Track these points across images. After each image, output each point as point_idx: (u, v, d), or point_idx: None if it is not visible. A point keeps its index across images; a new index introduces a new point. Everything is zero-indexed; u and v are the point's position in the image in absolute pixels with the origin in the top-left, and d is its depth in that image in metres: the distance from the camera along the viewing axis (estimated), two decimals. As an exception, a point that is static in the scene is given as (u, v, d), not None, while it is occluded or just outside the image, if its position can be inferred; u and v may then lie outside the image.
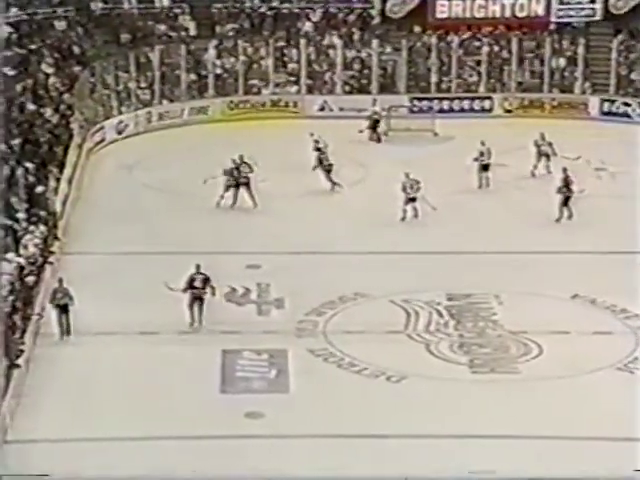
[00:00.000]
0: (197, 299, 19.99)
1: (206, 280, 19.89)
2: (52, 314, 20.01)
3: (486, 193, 27.25)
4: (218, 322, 20.31)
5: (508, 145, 29.76)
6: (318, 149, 27.65)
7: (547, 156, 28.08)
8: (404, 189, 25.00)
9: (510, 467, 15.96)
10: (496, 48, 34.45)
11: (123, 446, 16.63)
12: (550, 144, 28.00)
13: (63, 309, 19.90)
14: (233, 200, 25.86)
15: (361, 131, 30.91)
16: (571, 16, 34.68)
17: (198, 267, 20.01)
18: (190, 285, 19.85)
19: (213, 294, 20.10)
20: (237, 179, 25.77)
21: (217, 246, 23.53)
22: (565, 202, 25.08)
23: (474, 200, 26.48)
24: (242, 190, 25.79)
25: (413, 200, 24.90)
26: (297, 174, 27.98)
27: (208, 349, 19.47)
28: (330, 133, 30.90)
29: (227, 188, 25.79)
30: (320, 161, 27.27)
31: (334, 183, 27.09)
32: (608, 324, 20.49)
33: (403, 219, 24.97)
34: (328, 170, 27.13)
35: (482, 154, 27.00)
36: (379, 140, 31.20)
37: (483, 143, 27.14)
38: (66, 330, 19.84)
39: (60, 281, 20.25)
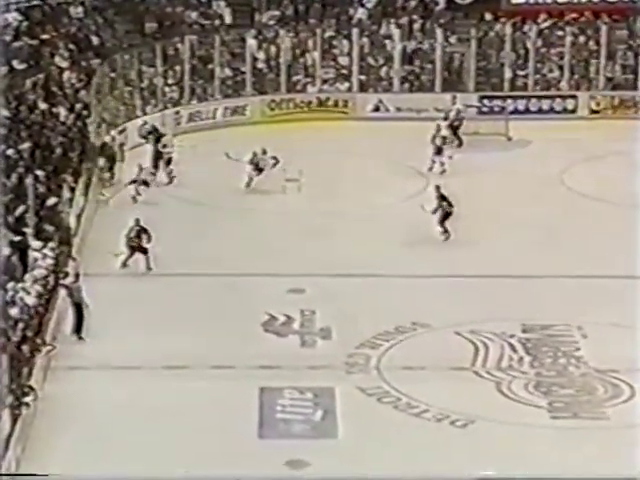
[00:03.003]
0: (137, 249, 23.64)
1: (143, 230, 23.69)
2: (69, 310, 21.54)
3: (567, 208, 27.11)
4: (255, 355, 20.44)
5: (595, 152, 29.66)
6: None
7: (439, 150, 29.15)
8: (255, 163, 27.79)
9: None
10: (582, 38, 34.41)
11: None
12: (444, 137, 29.35)
13: (77, 308, 21.24)
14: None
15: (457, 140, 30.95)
16: (672, 0, 34.60)
17: (137, 220, 23.76)
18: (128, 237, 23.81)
19: (149, 241, 23.57)
20: (161, 155, 28.72)
21: (254, 267, 23.66)
22: (444, 219, 25.30)
23: (552, 214, 26.40)
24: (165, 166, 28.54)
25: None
26: (346, 185, 28.10)
27: (244, 386, 19.56)
28: (385, 136, 31.02)
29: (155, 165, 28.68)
30: None
31: None
32: None
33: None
34: None
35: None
36: (461, 144, 30.95)
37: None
38: (77, 333, 21.17)
39: (77, 276, 21.64)
